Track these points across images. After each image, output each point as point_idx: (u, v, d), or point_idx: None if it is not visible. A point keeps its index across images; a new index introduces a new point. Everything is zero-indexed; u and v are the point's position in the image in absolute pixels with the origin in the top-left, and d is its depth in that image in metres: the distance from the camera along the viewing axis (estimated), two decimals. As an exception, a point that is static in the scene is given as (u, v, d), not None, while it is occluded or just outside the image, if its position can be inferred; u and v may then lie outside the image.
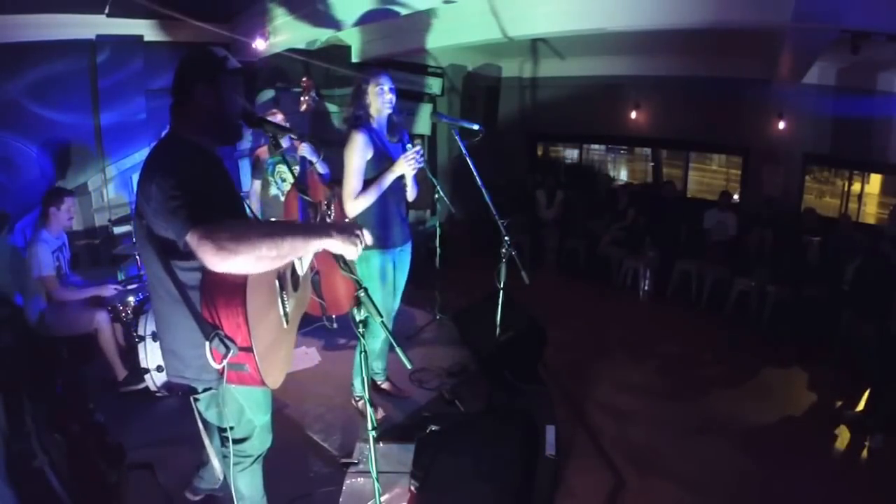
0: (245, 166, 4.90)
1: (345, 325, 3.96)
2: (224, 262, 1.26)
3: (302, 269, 1.73)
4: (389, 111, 2.57)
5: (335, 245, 1.40)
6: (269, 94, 4.93)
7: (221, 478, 1.97)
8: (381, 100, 2.54)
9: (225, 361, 1.33)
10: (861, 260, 4.25)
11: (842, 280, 4.50)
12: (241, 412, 1.64)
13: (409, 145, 2.59)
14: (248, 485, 1.80)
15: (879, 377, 3.45)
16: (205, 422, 1.68)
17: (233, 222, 1.34)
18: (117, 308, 3.21)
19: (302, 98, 3.57)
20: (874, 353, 3.66)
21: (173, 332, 1.52)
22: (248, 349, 1.34)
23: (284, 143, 3.63)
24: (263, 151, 3.78)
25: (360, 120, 2.55)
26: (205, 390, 1.58)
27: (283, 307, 1.56)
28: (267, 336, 1.44)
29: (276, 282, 1.54)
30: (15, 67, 3.56)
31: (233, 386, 1.52)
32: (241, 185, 4.89)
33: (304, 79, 3.66)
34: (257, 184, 3.75)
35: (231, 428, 1.63)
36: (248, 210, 1.84)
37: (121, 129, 4.13)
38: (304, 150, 3.26)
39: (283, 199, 3.70)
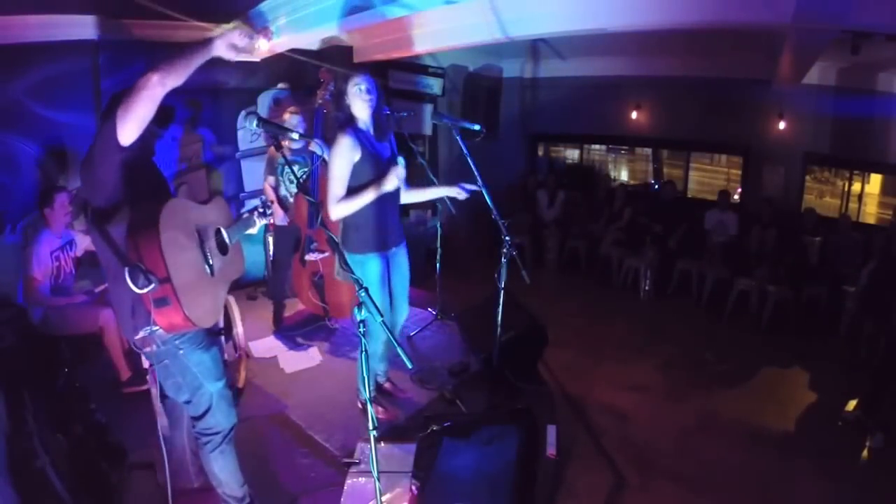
0: (247, 166, 4.91)
1: (347, 327, 3.98)
2: (144, 90, 1.49)
3: (230, 240, 1.91)
4: (369, 110, 2.51)
5: (221, 47, 1.61)
6: (270, 94, 4.93)
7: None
8: (359, 100, 2.48)
9: (146, 289, 1.48)
10: (876, 262, 4.26)
11: (854, 282, 4.50)
12: (195, 378, 1.77)
13: (399, 159, 2.54)
14: (222, 468, 1.87)
15: (882, 376, 3.45)
16: (166, 403, 1.89)
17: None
18: (118, 308, 3.21)
19: (319, 91, 3.53)
20: (878, 352, 3.66)
21: (117, 293, 1.70)
22: (167, 280, 1.52)
23: (298, 143, 3.67)
24: (274, 150, 3.80)
25: (344, 122, 2.51)
26: (160, 362, 1.75)
27: (207, 258, 1.75)
28: (187, 275, 1.61)
29: (196, 232, 1.73)
30: (17, 68, 3.56)
31: (181, 352, 1.73)
32: (243, 185, 4.90)
33: (323, 69, 3.61)
34: (272, 179, 3.77)
35: (189, 402, 1.79)
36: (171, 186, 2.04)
37: (122, 130, 4.14)
38: (315, 146, 3.27)
39: (291, 199, 3.72)
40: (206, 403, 1.82)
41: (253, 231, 2.11)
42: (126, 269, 1.49)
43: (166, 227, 1.55)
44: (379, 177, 2.48)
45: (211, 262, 1.76)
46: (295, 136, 1.96)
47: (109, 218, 1.63)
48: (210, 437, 1.83)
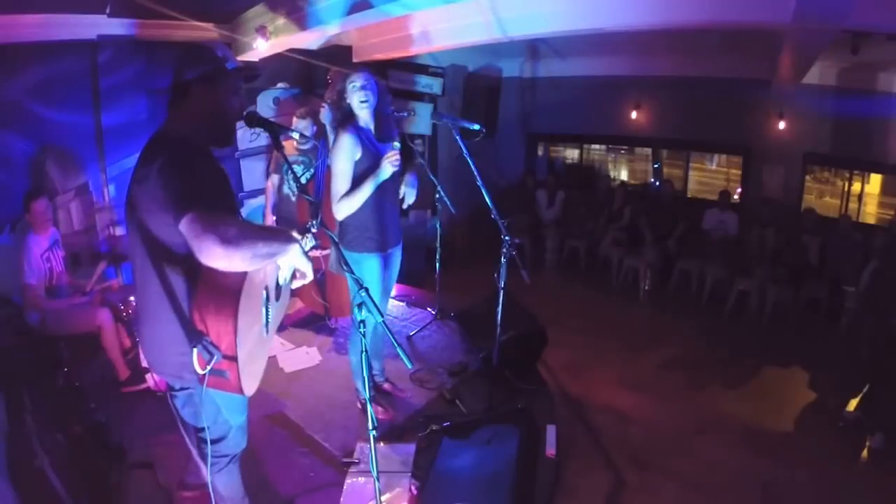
0: (247, 166, 4.91)
1: (346, 326, 3.97)
2: (225, 256, 1.24)
3: (283, 280, 1.74)
4: (368, 108, 2.48)
5: (296, 253, 1.40)
6: (270, 94, 4.93)
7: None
8: (356, 97, 2.46)
9: (209, 368, 1.35)
10: (878, 262, 4.26)
11: (854, 282, 4.50)
12: (218, 412, 1.65)
13: (395, 143, 2.50)
14: (226, 485, 1.81)
15: (882, 376, 3.45)
16: (182, 421, 1.71)
17: (236, 218, 1.34)
18: (118, 308, 3.21)
19: (328, 94, 3.57)
20: (879, 352, 3.66)
21: (157, 328, 1.52)
22: (233, 358, 1.36)
23: (305, 143, 3.68)
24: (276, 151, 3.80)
25: (344, 121, 2.49)
26: (181, 389, 1.60)
27: (266, 317, 1.58)
28: (249, 346, 1.45)
29: (264, 293, 1.55)
30: (16, 67, 3.55)
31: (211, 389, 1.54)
32: (243, 185, 4.90)
33: (332, 69, 3.64)
34: (275, 178, 3.76)
35: (206, 428, 1.64)
36: (239, 210, 1.84)
37: (122, 130, 4.13)
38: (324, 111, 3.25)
39: (294, 198, 3.72)
40: (223, 433, 1.72)
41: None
42: (190, 343, 1.35)
43: (246, 301, 1.36)
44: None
45: (269, 319, 1.59)
46: (296, 136, 1.94)
47: (173, 259, 1.40)
48: (217, 458, 1.75)
